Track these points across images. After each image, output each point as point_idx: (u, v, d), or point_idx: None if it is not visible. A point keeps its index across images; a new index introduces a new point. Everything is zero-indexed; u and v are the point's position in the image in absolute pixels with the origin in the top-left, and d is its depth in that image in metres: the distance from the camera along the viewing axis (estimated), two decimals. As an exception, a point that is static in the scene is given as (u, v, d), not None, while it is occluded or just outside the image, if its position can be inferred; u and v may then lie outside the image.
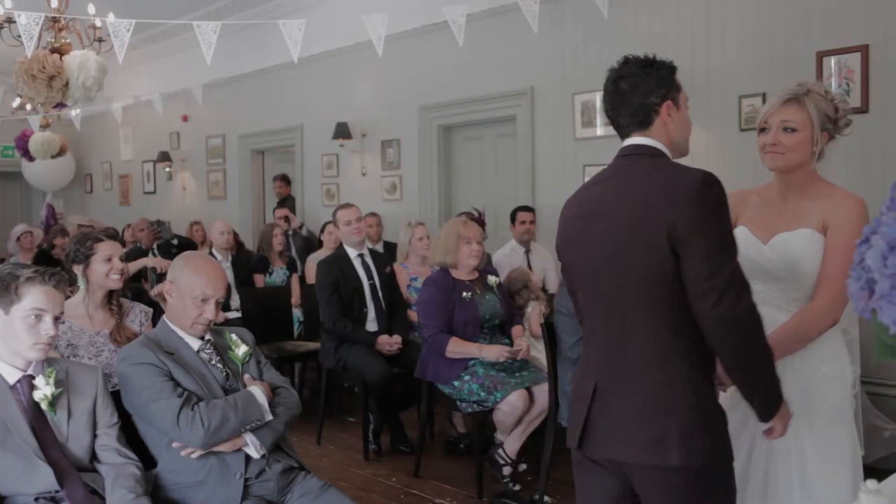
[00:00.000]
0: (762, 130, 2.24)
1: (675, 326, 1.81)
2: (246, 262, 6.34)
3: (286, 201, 8.73)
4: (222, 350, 2.55)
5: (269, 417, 2.40)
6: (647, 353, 1.83)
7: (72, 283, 2.77)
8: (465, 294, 3.99)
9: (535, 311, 4.53)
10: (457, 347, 3.94)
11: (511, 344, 4.23)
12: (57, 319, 2.21)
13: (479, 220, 5.51)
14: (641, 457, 1.81)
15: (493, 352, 3.91)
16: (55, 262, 2.74)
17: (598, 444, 1.89)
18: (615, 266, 1.85)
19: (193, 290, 2.45)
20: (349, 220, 4.84)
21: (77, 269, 3.00)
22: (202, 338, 2.52)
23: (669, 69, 1.96)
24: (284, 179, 8.88)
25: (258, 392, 2.41)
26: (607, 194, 1.91)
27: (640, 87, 1.92)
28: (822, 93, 2.21)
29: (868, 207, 2.14)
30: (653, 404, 1.81)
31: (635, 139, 1.95)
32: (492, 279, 4.01)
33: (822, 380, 2.15)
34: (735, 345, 1.76)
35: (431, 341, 3.98)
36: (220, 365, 2.50)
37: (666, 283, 1.78)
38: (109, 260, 3.01)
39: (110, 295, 3.05)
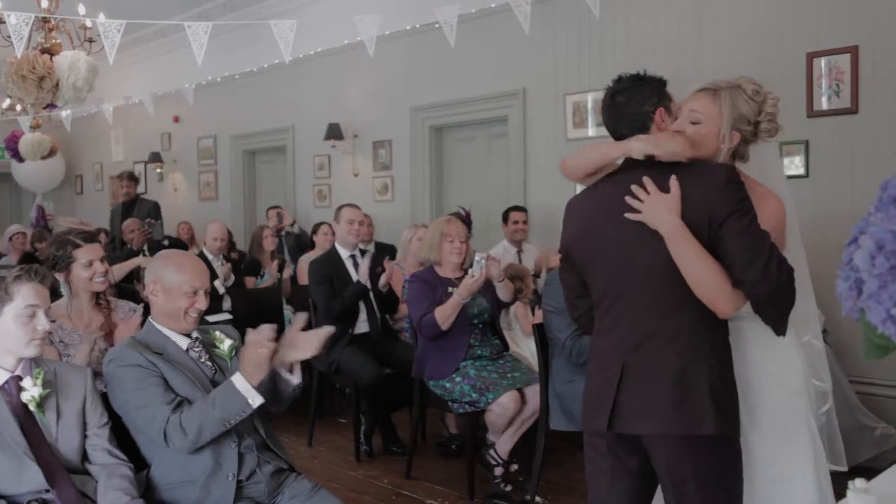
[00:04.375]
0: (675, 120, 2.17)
1: (701, 305, 1.94)
2: (237, 264, 6.33)
3: (134, 205, 7.92)
4: (209, 348, 2.54)
5: (256, 403, 2.27)
6: (677, 332, 1.96)
7: (54, 290, 2.74)
8: (451, 290, 3.99)
9: (520, 311, 4.53)
10: (443, 312, 3.89)
11: (503, 345, 4.24)
12: (46, 313, 2.23)
13: (465, 219, 5.50)
14: (675, 427, 1.93)
15: (465, 288, 3.83)
16: (40, 264, 2.73)
17: (629, 421, 1.98)
18: (649, 255, 1.98)
19: (182, 287, 2.45)
20: (352, 219, 4.87)
21: (59, 277, 2.97)
22: (190, 335, 2.51)
23: (660, 82, 2.13)
24: (131, 178, 8.16)
25: (239, 380, 2.27)
26: (630, 192, 2.01)
27: (635, 98, 2.09)
28: (751, 93, 2.14)
29: (858, 207, 2.14)
30: (684, 378, 1.93)
31: None
32: (473, 264, 3.90)
33: (769, 379, 2.12)
34: (780, 303, 1.93)
35: (422, 326, 3.96)
36: (209, 362, 2.49)
37: None
38: (91, 264, 2.98)
39: (97, 294, 3.04)
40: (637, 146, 2.02)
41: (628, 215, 1.99)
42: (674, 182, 1.95)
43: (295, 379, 2.47)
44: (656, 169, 2.02)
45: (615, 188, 2.07)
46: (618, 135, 2.14)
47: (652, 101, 2.09)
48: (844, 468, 2.35)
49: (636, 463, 2.06)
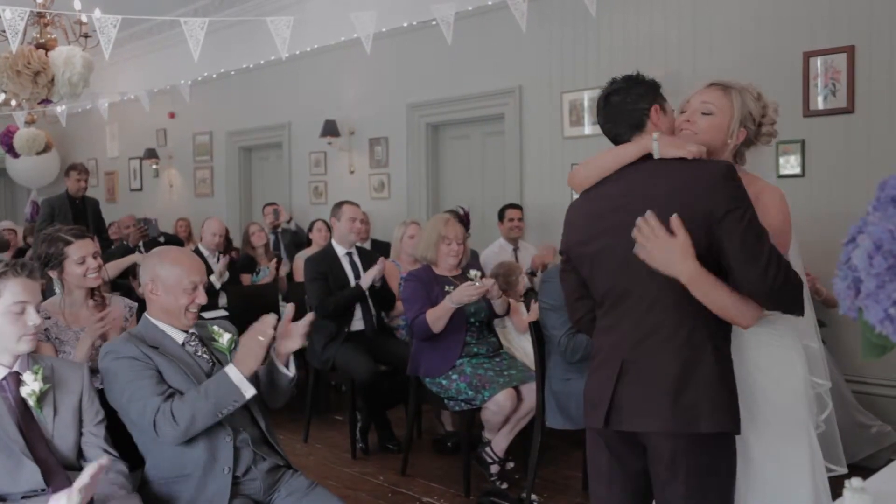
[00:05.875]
0: (682, 113, 2.19)
1: (701, 304, 1.92)
2: (233, 261, 6.31)
3: (85, 201, 7.23)
4: (207, 342, 2.54)
5: (248, 394, 2.28)
6: (676, 330, 1.95)
7: (45, 287, 2.71)
8: (447, 288, 3.99)
9: (513, 308, 4.53)
10: (434, 315, 3.89)
11: (498, 343, 4.24)
12: (37, 308, 2.22)
13: (464, 220, 5.50)
14: (671, 425, 1.92)
15: (460, 294, 3.81)
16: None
17: (627, 418, 1.98)
18: None
19: (182, 282, 2.45)
20: (354, 217, 4.86)
21: (53, 274, 2.95)
22: (187, 331, 2.50)
23: (652, 82, 2.15)
24: (85, 171, 7.40)
25: (232, 371, 2.28)
26: (631, 190, 2.02)
27: (630, 97, 2.11)
28: (756, 94, 2.18)
29: (854, 206, 2.14)
30: (682, 376, 1.92)
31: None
32: (473, 272, 3.97)
33: (769, 381, 2.10)
34: (782, 300, 1.91)
35: (415, 327, 3.96)
36: (206, 356, 2.49)
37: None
38: (83, 261, 2.95)
39: (92, 291, 3.02)
40: (657, 145, 2.00)
41: (638, 252, 1.90)
42: (678, 225, 1.86)
43: (290, 372, 2.47)
44: (654, 165, 2.02)
45: (616, 186, 2.07)
46: (614, 133, 2.15)
47: (647, 99, 2.11)
48: (844, 470, 2.34)
49: (637, 464, 2.06)
